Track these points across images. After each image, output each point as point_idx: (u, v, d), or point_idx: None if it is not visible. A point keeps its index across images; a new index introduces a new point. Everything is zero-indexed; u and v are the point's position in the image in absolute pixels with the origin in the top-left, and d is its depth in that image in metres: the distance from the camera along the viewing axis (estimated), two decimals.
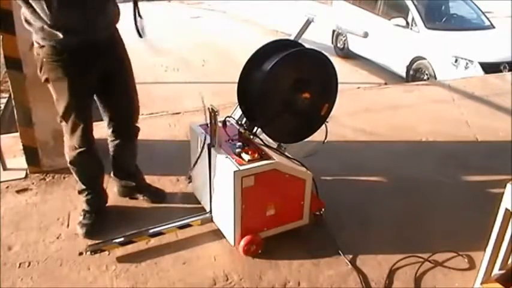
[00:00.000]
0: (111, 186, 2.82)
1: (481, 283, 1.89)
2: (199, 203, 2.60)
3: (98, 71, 2.21)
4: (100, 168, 2.50)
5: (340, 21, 2.54)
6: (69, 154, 2.37)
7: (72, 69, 2.12)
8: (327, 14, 9.25)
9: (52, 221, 2.53)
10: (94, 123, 2.27)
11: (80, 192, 2.52)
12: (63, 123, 2.27)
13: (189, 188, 2.75)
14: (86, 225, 2.43)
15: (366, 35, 2.33)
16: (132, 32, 2.31)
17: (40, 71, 2.17)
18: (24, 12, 2.02)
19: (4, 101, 5.43)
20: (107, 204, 2.64)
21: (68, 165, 2.42)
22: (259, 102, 2.18)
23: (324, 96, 2.34)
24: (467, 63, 6.85)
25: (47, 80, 2.18)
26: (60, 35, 2.00)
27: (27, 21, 2.06)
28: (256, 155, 2.19)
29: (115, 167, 2.63)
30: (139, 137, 2.60)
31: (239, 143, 2.27)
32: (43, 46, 2.08)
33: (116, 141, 2.51)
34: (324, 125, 2.41)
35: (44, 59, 2.10)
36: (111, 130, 2.48)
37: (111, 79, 2.28)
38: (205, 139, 2.30)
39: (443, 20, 8.02)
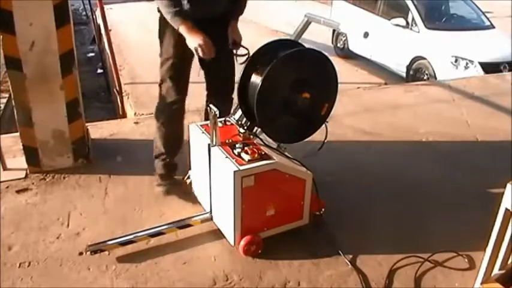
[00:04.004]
0: (112, 187, 2.82)
1: (481, 283, 1.89)
2: (199, 203, 2.60)
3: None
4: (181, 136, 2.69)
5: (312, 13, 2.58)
6: (160, 109, 2.58)
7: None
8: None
9: (52, 221, 2.53)
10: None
11: (156, 156, 2.69)
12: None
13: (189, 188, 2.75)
14: (166, 185, 2.70)
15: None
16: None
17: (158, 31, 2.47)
18: None
19: (4, 101, 5.44)
20: (108, 205, 2.64)
21: (157, 127, 2.62)
22: (259, 102, 2.18)
23: (324, 96, 2.34)
24: (467, 63, 6.86)
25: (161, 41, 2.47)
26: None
27: None
28: (256, 155, 2.19)
29: None
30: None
31: (239, 143, 2.27)
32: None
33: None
34: (324, 125, 2.41)
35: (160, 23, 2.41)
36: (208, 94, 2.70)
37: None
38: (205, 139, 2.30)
39: (443, 20, 8.03)
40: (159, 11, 2.39)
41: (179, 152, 2.71)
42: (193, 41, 2.29)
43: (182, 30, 2.29)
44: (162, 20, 2.40)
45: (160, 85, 2.55)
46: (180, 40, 2.34)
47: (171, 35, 2.40)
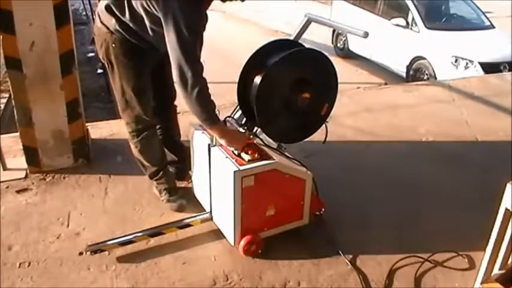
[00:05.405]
0: (112, 187, 2.82)
1: (481, 283, 1.88)
2: (200, 203, 2.60)
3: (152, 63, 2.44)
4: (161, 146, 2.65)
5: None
6: (133, 140, 2.51)
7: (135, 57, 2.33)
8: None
9: (52, 221, 2.53)
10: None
11: (152, 175, 2.62)
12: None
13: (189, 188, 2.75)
14: (177, 199, 2.61)
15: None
16: None
17: (106, 55, 2.33)
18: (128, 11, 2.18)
19: (4, 101, 5.43)
20: (108, 205, 2.64)
21: (136, 153, 2.56)
22: (259, 102, 2.18)
23: (324, 96, 2.34)
24: (467, 63, 6.86)
25: (110, 62, 2.34)
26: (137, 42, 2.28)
27: (112, 11, 2.21)
28: (256, 155, 2.18)
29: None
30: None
31: None
32: (113, 33, 2.26)
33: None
34: (324, 125, 2.42)
35: (113, 45, 2.28)
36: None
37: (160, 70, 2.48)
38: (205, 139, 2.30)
39: (443, 20, 8.03)
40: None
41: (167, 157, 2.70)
42: (241, 141, 2.23)
43: (219, 128, 2.18)
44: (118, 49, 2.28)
45: (124, 112, 2.46)
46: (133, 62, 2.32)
47: (125, 57, 2.31)
